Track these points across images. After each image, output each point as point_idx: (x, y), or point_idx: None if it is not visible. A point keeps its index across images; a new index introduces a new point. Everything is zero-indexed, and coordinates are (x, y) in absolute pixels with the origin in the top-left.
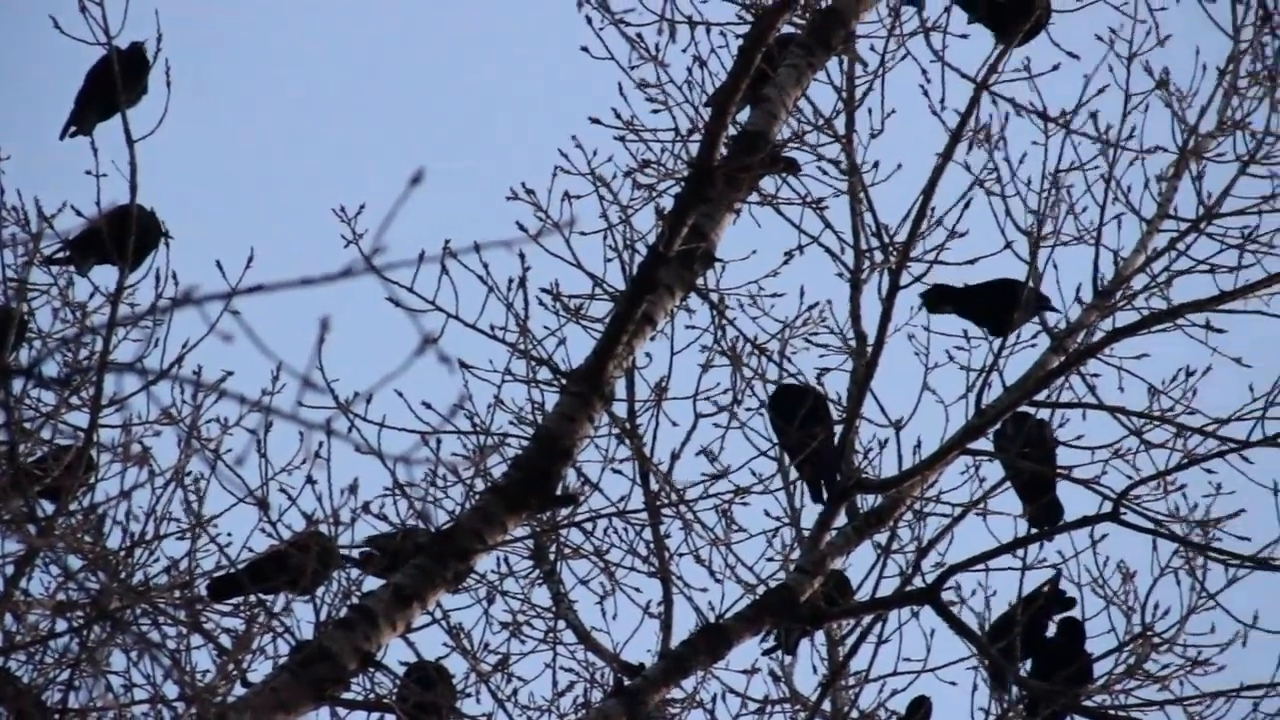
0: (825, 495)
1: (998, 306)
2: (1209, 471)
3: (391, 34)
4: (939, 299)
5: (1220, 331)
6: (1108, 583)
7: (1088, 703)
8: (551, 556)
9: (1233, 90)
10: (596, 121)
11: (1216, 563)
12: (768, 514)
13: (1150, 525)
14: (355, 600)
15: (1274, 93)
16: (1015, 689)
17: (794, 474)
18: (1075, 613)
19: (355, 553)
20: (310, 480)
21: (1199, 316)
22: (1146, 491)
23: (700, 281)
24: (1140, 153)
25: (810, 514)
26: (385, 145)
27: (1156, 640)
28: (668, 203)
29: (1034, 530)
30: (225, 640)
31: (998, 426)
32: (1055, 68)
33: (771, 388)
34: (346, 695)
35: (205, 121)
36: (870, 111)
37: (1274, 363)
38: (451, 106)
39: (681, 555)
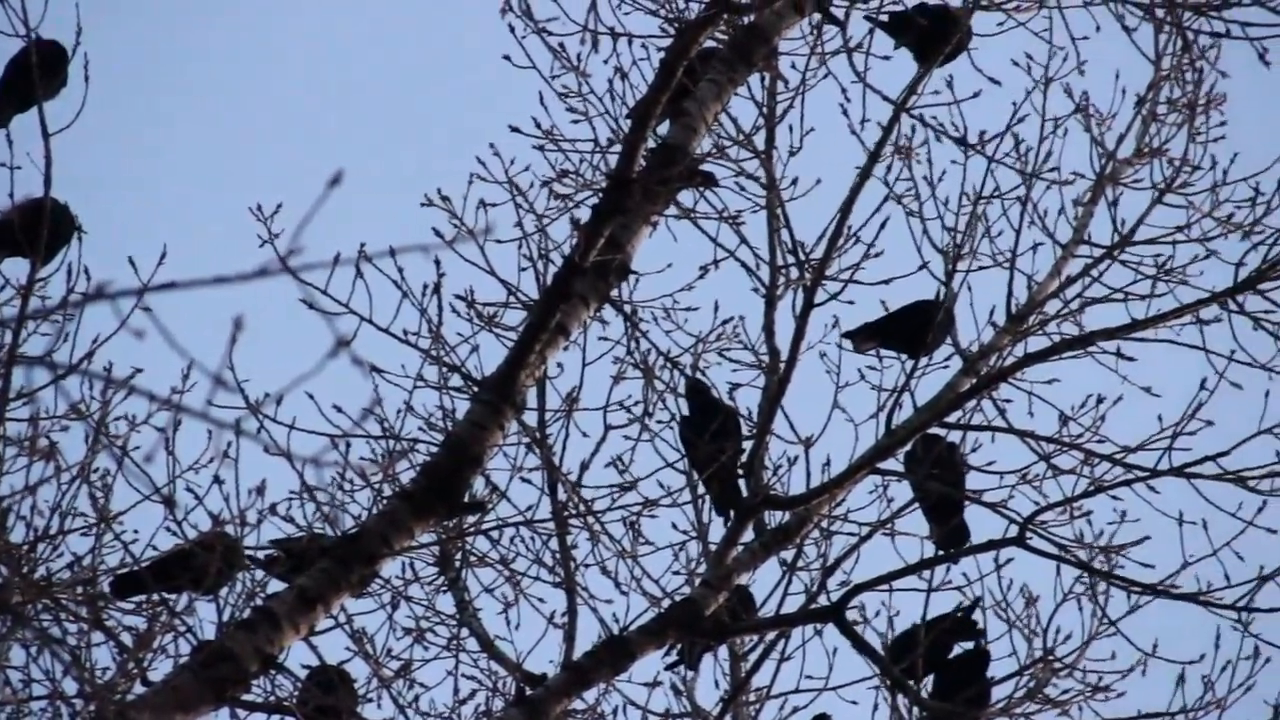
0: (729, 510)
1: (914, 330)
2: (1115, 499)
3: (326, 31)
4: (864, 338)
5: (1131, 360)
6: (1011, 606)
7: None
8: (457, 564)
9: (1151, 118)
10: (516, 130)
11: (1119, 590)
12: (675, 527)
13: (1055, 551)
14: (259, 602)
15: (1192, 121)
16: (916, 709)
17: (701, 488)
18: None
19: (260, 554)
20: (218, 480)
21: (1110, 344)
22: (1053, 517)
23: (615, 293)
24: (1058, 182)
25: (717, 528)
26: (312, 146)
27: (1057, 665)
28: (584, 213)
29: (940, 552)
30: (126, 638)
31: (908, 447)
32: (976, 94)
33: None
34: (247, 697)
35: (126, 117)
36: (790, 129)
37: (1183, 393)
38: (375, 108)
39: (588, 566)
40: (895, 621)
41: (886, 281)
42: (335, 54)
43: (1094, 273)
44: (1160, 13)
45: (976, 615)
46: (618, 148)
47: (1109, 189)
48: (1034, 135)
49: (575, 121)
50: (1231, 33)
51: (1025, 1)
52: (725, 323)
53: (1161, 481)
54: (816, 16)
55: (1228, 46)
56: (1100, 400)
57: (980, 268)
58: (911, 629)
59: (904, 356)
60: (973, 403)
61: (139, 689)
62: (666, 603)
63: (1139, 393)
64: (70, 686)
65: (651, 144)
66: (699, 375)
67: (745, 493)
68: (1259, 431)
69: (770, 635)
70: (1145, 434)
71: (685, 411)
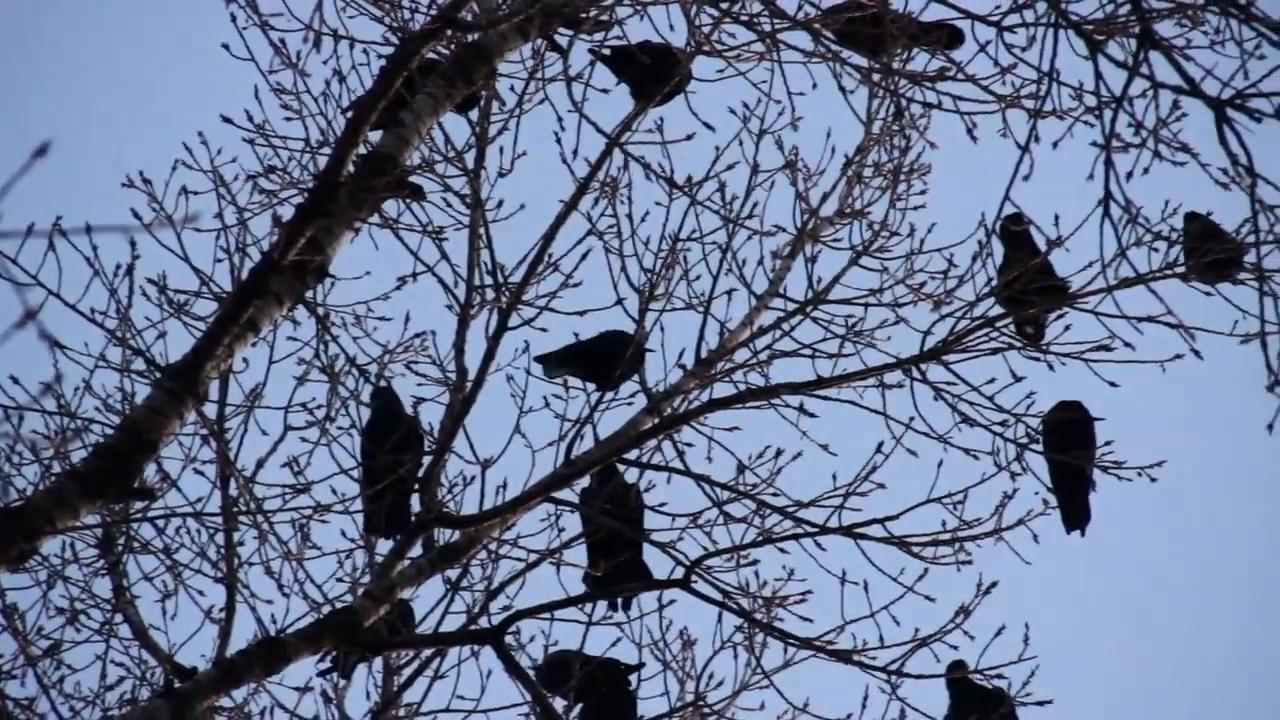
0: (396, 527)
1: (605, 362)
2: (783, 552)
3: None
4: (556, 364)
5: (813, 416)
6: (669, 647)
7: None
8: (119, 548)
9: (857, 179)
10: (228, 121)
11: (777, 642)
12: (344, 534)
13: (718, 597)
14: None
15: (895, 187)
16: None
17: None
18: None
19: None
20: None
21: (794, 398)
22: (720, 563)
23: (310, 294)
24: (760, 232)
25: (386, 540)
26: (20, 114)
27: (706, 711)
28: (288, 212)
29: (597, 587)
30: None
31: (585, 481)
32: (689, 137)
33: (366, 411)
34: None
35: None
36: (501, 150)
37: (859, 454)
38: (89, 82)
39: (252, 565)
40: (552, 650)
41: (582, 313)
42: (54, 20)
43: (785, 326)
44: (877, 77)
45: (629, 649)
46: (328, 150)
47: (808, 245)
48: (741, 184)
49: (288, 119)
50: (944, 105)
51: (747, 52)
52: (416, 336)
53: (829, 539)
54: (540, 42)
55: (938, 117)
56: (779, 453)
57: (674, 309)
58: (561, 655)
59: (591, 387)
60: (654, 442)
61: None
62: (327, 609)
63: (817, 449)
64: None
65: (363, 150)
66: (385, 383)
67: (417, 508)
68: (928, 500)
69: (427, 652)
70: (818, 490)
71: (369, 416)
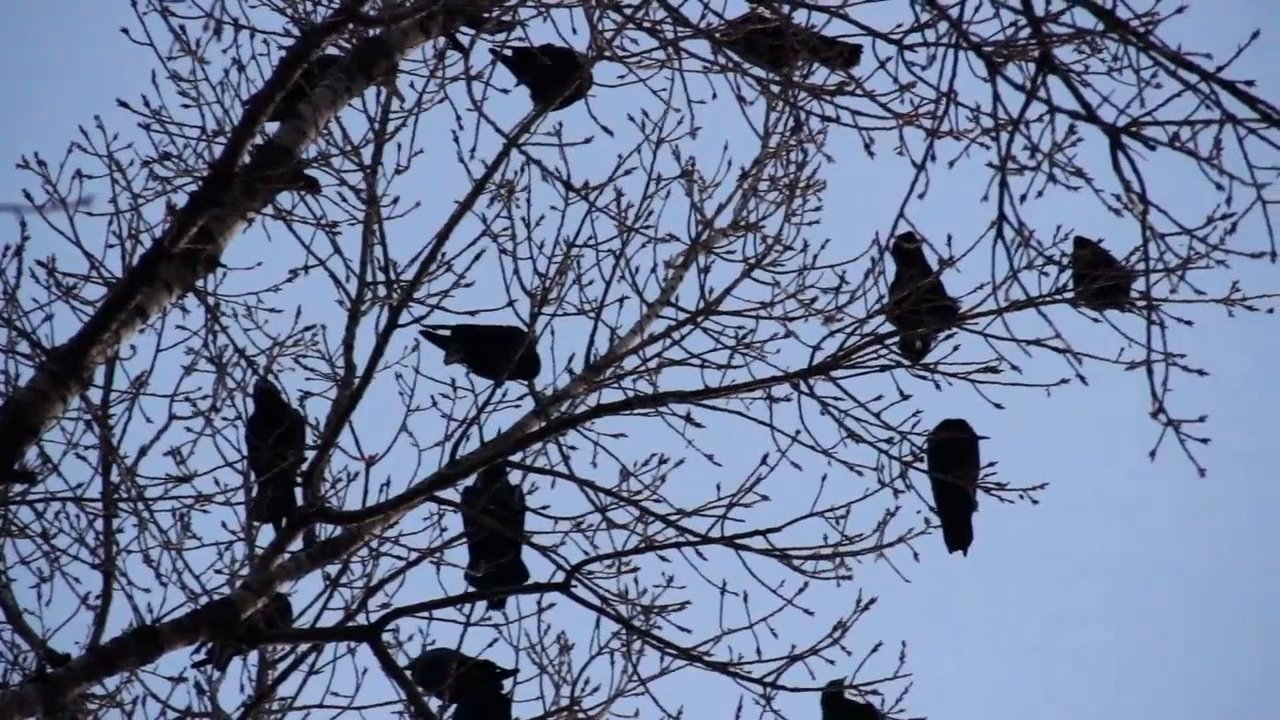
0: (280, 520)
1: (499, 347)
2: (664, 560)
3: None
4: (456, 351)
5: (699, 426)
6: (546, 651)
7: None
8: None
9: (752, 192)
10: (124, 105)
11: (654, 649)
12: (225, 526)
13: (597, 602)
14: None
15: (791, 201)
16: None
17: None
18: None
19: None
20: None
21: (682, 407)
22: (600, 569)
23: (200, 283)
24: (654, 240)
25: (266, 533)
26: None
27: (581, 715)
28: (182, 199)
29: (478, 587)
30: None
31: (469, 481)
32: (588, 140)
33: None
34: None
35: None
36: (399, 147)
37: (743, 465)
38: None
39: (130, 552)
40: (428, 650)
41: (473, 313)
42: None
43: (676, 335)
44: (776, 90)
45: (505, 651)
46: (224, 139)
47: (702, 256)
48: (637, 191)
49: (185, 106)
50: (842, 119)
51: (648, 58)
52: (306, 330)
53: (710, 548)
54: (442, 40)
55: (836, 132)
56: (663, 461)
57: (565, 314)
58: (438, 655)
59: (480, 383)
60: (540, 445)
61: None
62: (204, 600)
63: (702, 459)
64: None
65: (259, 140)
66: (270, 378)
67: (300, 502)
68: (811, 514)
69: (303, 646)
70: (702, 500)
71: (253, 411)
